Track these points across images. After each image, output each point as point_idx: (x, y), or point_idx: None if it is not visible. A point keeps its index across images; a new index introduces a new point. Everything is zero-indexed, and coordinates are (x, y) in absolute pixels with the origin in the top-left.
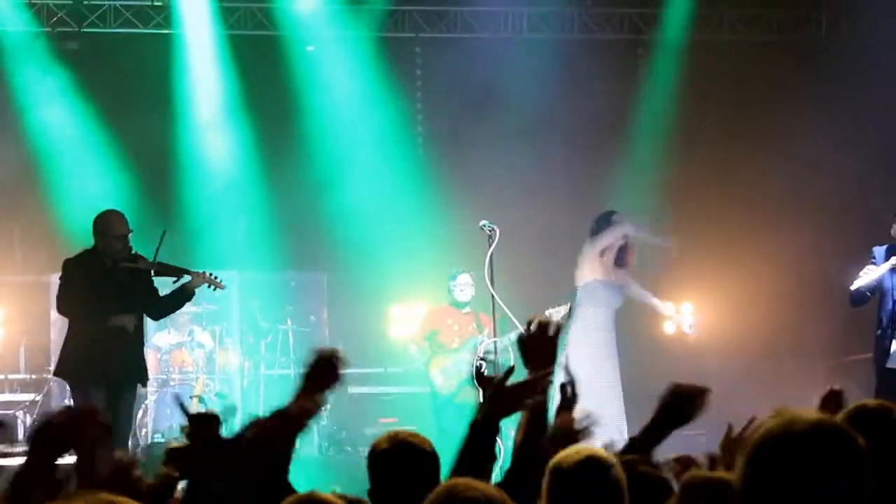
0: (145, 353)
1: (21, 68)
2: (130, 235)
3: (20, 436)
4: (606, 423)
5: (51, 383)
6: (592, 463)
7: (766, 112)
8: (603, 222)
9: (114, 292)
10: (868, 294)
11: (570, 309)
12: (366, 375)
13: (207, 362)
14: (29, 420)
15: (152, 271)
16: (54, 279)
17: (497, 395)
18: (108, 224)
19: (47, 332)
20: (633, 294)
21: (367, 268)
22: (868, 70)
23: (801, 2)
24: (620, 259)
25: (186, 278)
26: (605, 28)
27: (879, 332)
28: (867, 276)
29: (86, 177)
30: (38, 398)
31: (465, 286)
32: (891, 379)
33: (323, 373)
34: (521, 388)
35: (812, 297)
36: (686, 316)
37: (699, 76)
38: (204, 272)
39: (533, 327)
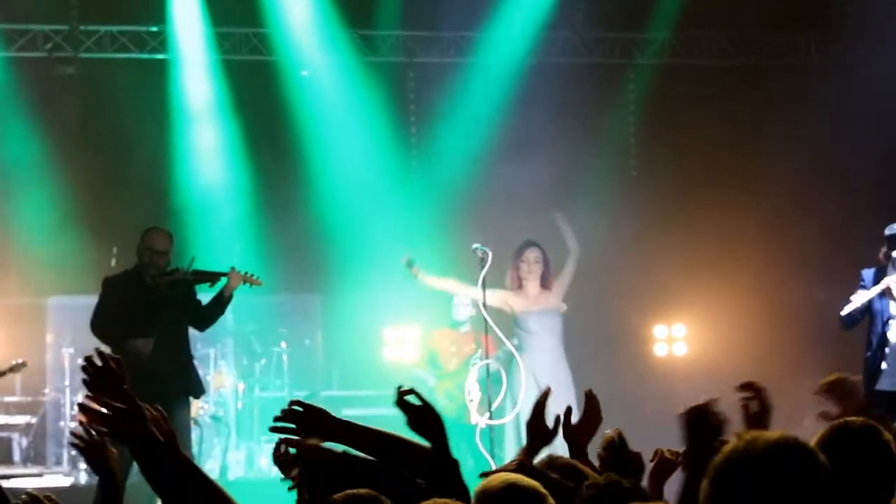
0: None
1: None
2: (171, 252)
3: (16, 457)
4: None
5: (46, 406)
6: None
7: (755, 136)
8: (519, 252)
9: (153, 310)
10: (859, 317)
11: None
12: (359, 398)
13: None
14: (25, 442)
15: (190, 280)
16: (51, 302)
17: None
18: (149, 240)
19: (43, 354)
20: (561, 295)
21: (361, 290)
22: (857, 94)
23: (792, 25)
24: (544, 280)
25: (223, 281)
26: (595, 52)
27: (869, 353)
28: (857, 301)
29: (80, 199)
30: (33, 420)
31: (460, 305)
32: (880, 400)
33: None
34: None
35: (802, 320)
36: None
37: (688, 99)
38: (238, 271)
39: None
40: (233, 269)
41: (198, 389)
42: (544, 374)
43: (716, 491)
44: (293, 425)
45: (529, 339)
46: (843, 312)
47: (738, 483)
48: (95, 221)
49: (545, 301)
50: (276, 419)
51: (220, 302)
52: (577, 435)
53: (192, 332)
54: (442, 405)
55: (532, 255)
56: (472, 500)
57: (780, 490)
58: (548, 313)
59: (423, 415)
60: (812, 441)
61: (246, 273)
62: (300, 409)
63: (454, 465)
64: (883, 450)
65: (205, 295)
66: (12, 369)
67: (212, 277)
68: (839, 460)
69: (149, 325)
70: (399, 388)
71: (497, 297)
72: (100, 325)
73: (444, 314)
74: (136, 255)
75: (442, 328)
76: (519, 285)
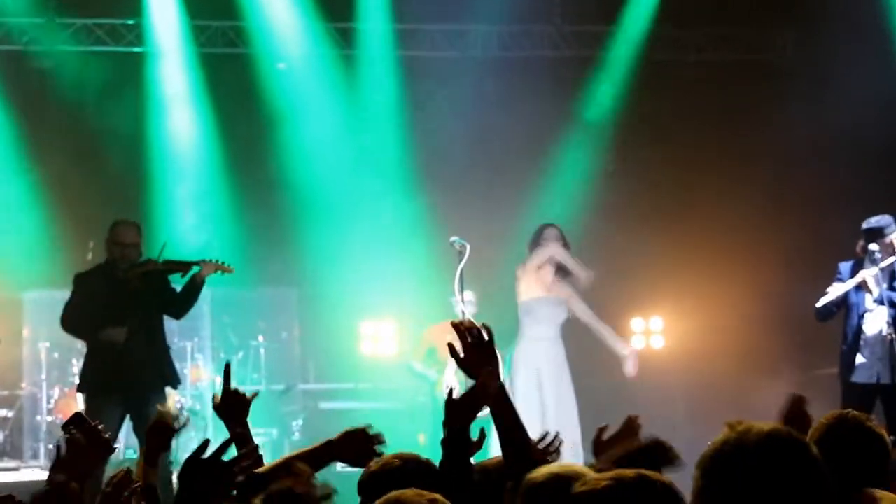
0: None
1: None
2: (140, 244)
3: None
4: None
5: (23, 400)
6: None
7: (732, 132)
8: (537, 236)
9: (126, 302)
10: (834, 309)
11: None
12: (337, 391)
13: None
14: (1, 436)
15: (162, 270)
16: (27, 296)
17: (451, 406)
18: (116, 234)
19: (20, 348)
20: (578, 311)
21: (338, 284)
22: (833, 90)
23: (768, 22)
24: (562, 271)
25: (195, 269)
26: (574, 45)
27: (845, 347)
28: (833, 293)
29: (57, 193)
30: (9, 414)
31: (457, 303)
32: (856, 393)
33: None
34: (472, 395)
35: (777, 314)
36: (631, 359)
37: (665, 96)
38: (210, 259)
39: (462, 332)
40: (205, 260)
41: (174, 380)
42: (545, 365)
43: (707, 482)
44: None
45: (536, 327)
46: (819, 304)
47: (730, 474)
48: (72, 215)
49: (558, 289)
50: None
51: (193, 289)
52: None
53: (168, 323)
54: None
55: (551, 232)
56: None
57: (773, 482)
58: (559, 302)
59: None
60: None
61: (217, 261)
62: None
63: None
64: (876, 443)
65: (176, 284)
66: None
67: (183, 267)
68: (832, 453)
69: (124, 319)
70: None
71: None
72: (70, 320)
73: (422, 308)
74: (106, 250)
75: (443, 321)
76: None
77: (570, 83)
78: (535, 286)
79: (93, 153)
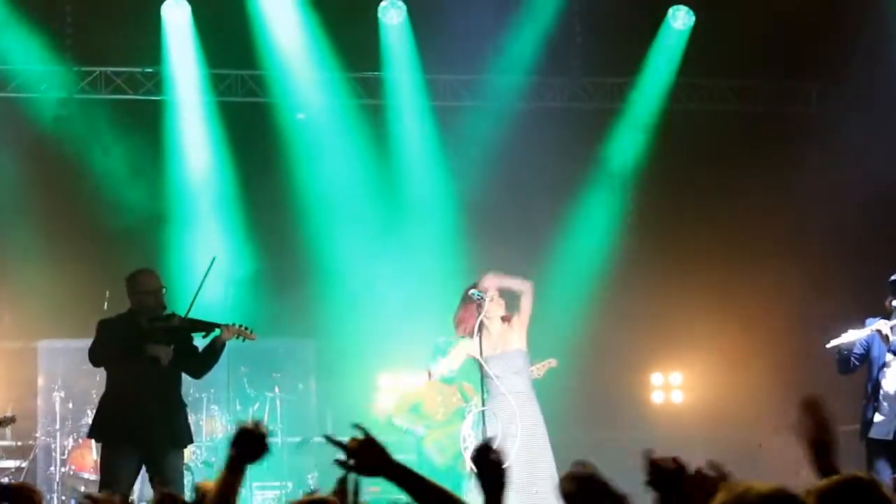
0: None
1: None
2: (164, 291)
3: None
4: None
5: (36, 450)
6: None
7: (752, 182)
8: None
9: (147, 355)
10: (856, 363)
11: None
12: None
13: (194, 430)
14: None
15: (185, 327)
16: (42, 345)
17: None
18: (137, 281)
19: (34, 398)
20: (524, 333)
21: (356, 335)
22: (856, 141)
23: (792, 72)
24: (504, 318)
25: (216, 332)
26: (594, 97)
27: (864, 402)
28: (846, 337)
29: (71, 242)
30: (24, 465)
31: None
32: (874, 449)
33: (249, 446)
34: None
35: (799, 369)
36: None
37: (687, 146)
38: (233, 324)
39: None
40: (231, 325)
41: (186, 438)
42: (511, 418)
43: None
44: (349, 454)
45: (492, 383)
46: (830, 345)
47: None
48: (87, 265)
49: (505, 343)
50: (332, 441)
51: (212, 352)
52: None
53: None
54: (432, 456)
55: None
56: None
57: None
58: (509, 355)
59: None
60: (812, 490)
61: (241, 326)
62: (363, 439)
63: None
64: None
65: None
66: (1, 423)
67: (206, 328)
68: None
69: (143, 372)
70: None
71: (460, 354)
72: (101, 352)
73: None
74: (130, 299)
75: (427, 382)
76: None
77: (590, 134)
78: (481, 346)
79: (108, 201)
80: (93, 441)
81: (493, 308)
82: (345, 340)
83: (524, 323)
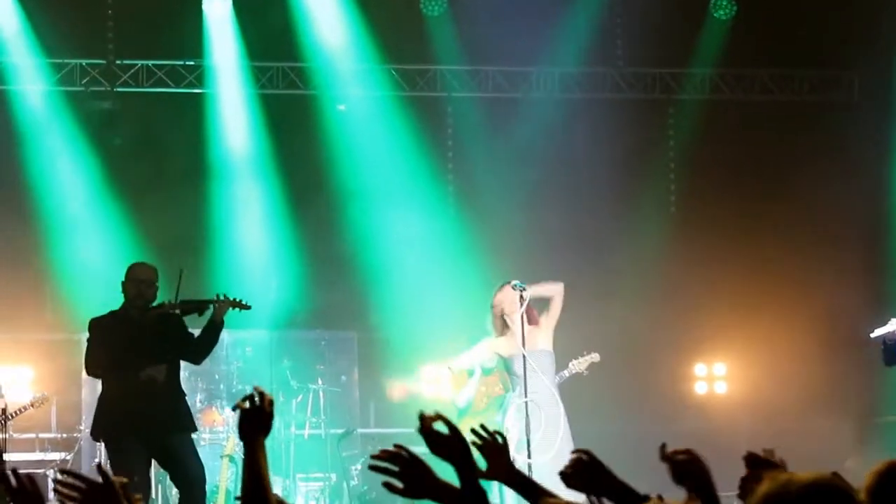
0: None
1: (51, 129)
2: (155, 286)
3: (50, 495)
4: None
5: (81, 442)
6: None
7: (796, 172)
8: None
9: (142, 345)
10: None
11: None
12: (396, 435)
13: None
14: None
15: (179, 312)
16: (85, 337)
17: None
18: (134, 273)
19: (79, 390)
20: (551, 335)
21: (398, 327)
22: None
23: (834, 61)
24: (530, 318)
25: (211, 309)
26: (636, 87)
27: None
28: (891, 326)
29: (117, 234)
30: (68, 457)
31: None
32: None
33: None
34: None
35: (845, 357)
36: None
37: (729, 136)
38: (226, 297)
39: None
40: (218, 295)
41: (188, 422)
42: (533, 417)
43: None
44: (395, 468)
45: (518, 382)
46: (873, 335)
47: None
48: (132, 255)
49: (532, 343)
50: (375, 457)
51: (212, 331)
52: None
53: (228, 367)
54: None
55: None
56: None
57: None
58: (534, 354)
59: (448, 442)
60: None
61: (234, 298)
62: (406, 457)
63: (482, 495)
64: None
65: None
66: (33, 404)
67: (199, 307)
68: (887, 501)
69: (145, 356)
70: (421, 413)
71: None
72: (94, 364)
73: None
74: (122, 292)
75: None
76: (504, 326)
77: (633, 125)
78: (507, 345)
79: (152, 193)
80: None
81: (513, 308)
82: (388, 332)
83: (552, 325)
